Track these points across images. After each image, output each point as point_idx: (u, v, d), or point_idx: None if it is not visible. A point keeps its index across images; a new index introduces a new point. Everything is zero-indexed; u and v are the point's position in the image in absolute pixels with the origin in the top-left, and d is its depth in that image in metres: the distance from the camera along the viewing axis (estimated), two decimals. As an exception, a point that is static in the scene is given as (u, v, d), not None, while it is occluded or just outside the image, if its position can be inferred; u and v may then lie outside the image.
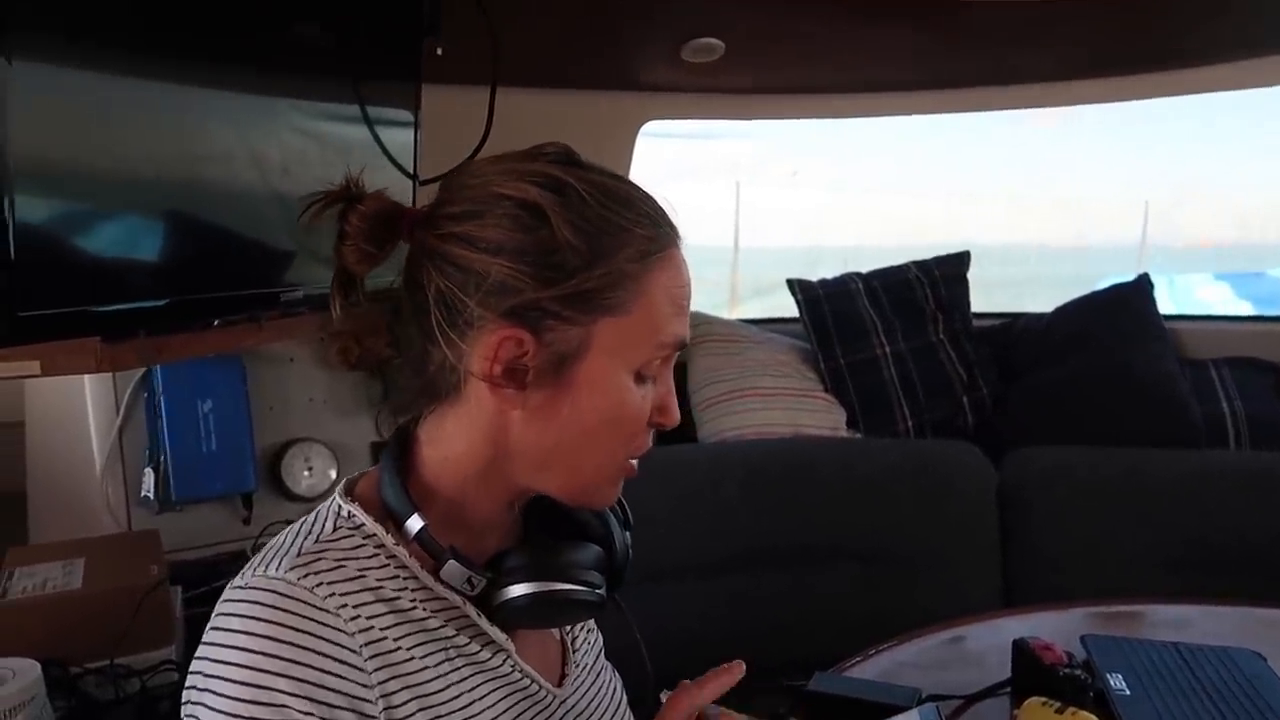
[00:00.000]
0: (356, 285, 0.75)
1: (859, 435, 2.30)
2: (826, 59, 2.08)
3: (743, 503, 2.01)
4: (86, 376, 1.69)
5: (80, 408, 1.70)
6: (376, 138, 1.50)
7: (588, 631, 0.91)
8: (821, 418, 2.27)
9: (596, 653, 0.93)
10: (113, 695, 1.15)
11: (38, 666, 0.98)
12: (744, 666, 0.78)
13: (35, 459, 1.85)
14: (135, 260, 0.98)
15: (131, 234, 0.98)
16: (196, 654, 0.66)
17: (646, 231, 0.72)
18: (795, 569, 2.02)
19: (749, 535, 2.01)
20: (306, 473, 1.88)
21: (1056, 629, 1.31)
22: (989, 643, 1.35)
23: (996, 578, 2.05)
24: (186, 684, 0.66)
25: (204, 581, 1.43)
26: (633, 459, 0.77)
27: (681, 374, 2.35)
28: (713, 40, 1.90)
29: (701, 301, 2.49)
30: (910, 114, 2.40)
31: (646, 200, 0.74)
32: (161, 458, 1.32)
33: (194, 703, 0.64)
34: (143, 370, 1.69)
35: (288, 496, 1.84)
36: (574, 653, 0.86)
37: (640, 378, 0.73)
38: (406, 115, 1.56)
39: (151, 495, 1.31)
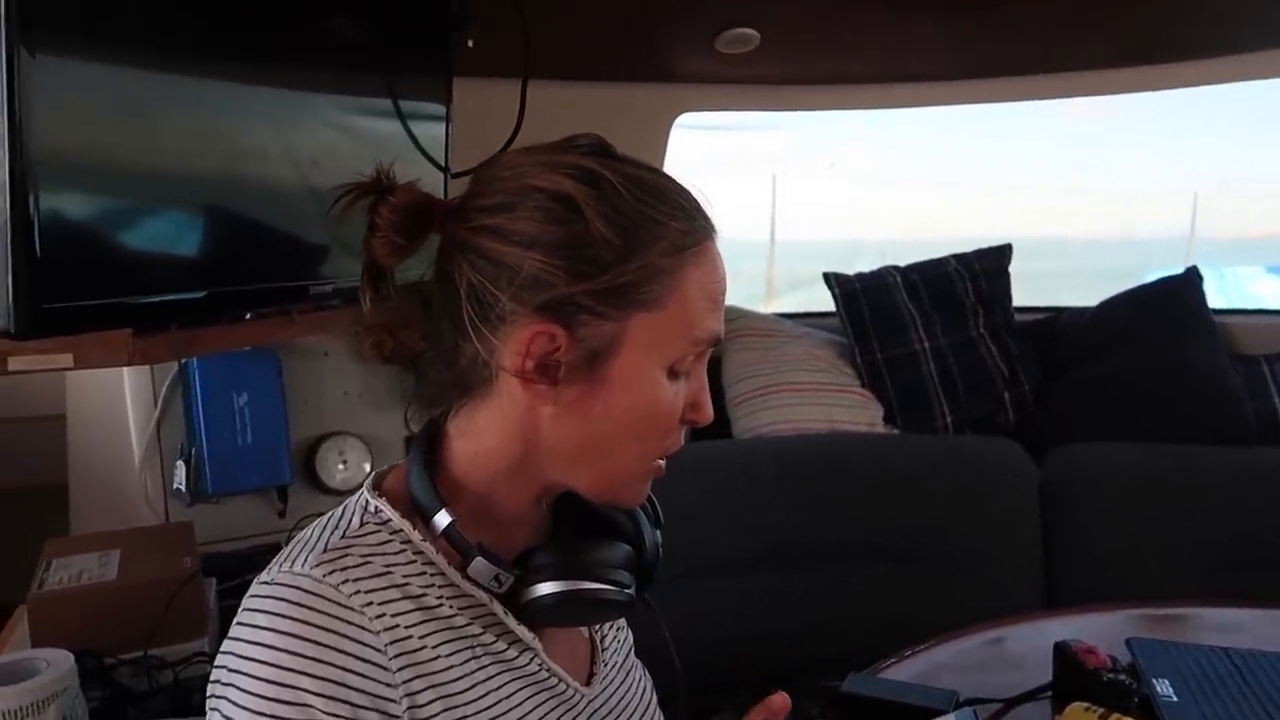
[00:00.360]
0: (387, 278, 0.74)
1: (896, 431, 2.26)
2: (863, 49, 2.05)
3: (777, 499, 1.98)
4: (125, 370, 1.71)
5: (119, 401, 1.72)
6: (408, 131, 1.50)
7: (617, 630, 0.90)
8: (858, 413, 2.24)
9: (626, 651, 0.91)
10: (146, 686, 1.16)
11: (71, 657, 0.99)
12: (787, 699, 0.78)
13: (76, 452, 1.88)
14: (163, 253, 0.98)
15: (160, 227, 0.98)
16: (222, 648, 0.66)
17: (681, 225, 0.70)
18: (831, 567, 1.99)
19: (784, 532, 1.98)
20: (341, 466, 1.88)
21: (1100, 631, 1.27)
22: (1030, 645, 1.32)
23: (1039, 578, 2.00)
24: (211, 677, 0.66)
25: (238, 574, 1.44)
26: (664, 457, 0.75)
27: (716, 369, 2.33)
28: (747, 31, 1.87)
29: (737, 295, 2.47)
30: (949, 104, 2.35)
31: (681, 193, 0.72)
32: (194, 450, 1.32)
33: (218, 697, 0.64)
34: (180, 364, 1.71)
35: (322, 490, 1.85)
36: (603, 651, 0.85)
37: (674, 374, 0.72)
38: (438, 109, 1.56)
39: (183, 488, 1.32)
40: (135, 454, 1.70)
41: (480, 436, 0.73)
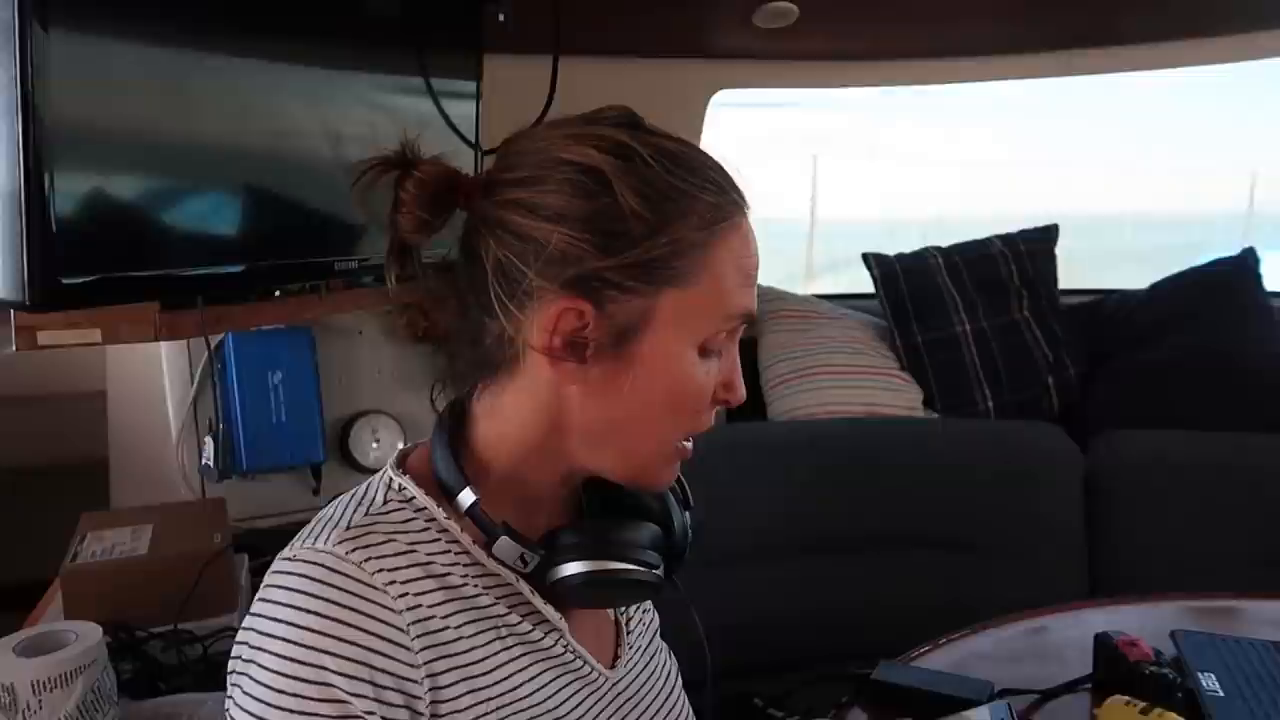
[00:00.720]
0: (413, 255, 0.73)
1: (936, 416, 2.22)
2: (907, 22, 1.99)
3: (813, 484, 1.95)
4: (163, 347, 1.73)
5: (157, 377, 1.74)
6: (439, 107, 1.48)
7: (643, 611, 0.89)
8: (897, 397, 2.19)
9: (652, 633, 0.90)
10: (176, 660, 1.17)
11: (99, 630, 0.99)
12: None
13: (116, 427, 1.91)
14: (184, 229, 0.98)
15: (181, 203, 0.97)
16: (243, 624, 0.66)
17: (713, 199, 0.68)
18: (867, 554, 1.95)
19: (819, 518, 1.95)
20: (374, 445, 1.89)
21: (1144, 623, 1.23)
22: (1070, 635, 1.28)
23: (1081, 568, 1.95)
24: (233, 653, 0.66)
25: (270, 551, 1.43)
26: (689, 440, 0.73)
27: (751, 351, 2.30)
28: (786, 4, 1.83)
29: (775, 276, 2.43)
30: (997, 79, 2.27)
31: (713, 166, 0.71)
32: (222, 427, 1.33)
33: (239, 673, 0.64)
34: (217, 341, 1.72)
35: (355, 468, 1.85)
36: (628, 634, 0.84)
37: (705, 352, 0.70)
38: (468, 85, 1.54)
39: (212, 464, 1.33)
40: (172, 429, 1.72)
41: (506, 416, 0.72)
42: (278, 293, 1.25)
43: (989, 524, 1.96)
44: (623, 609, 0.84)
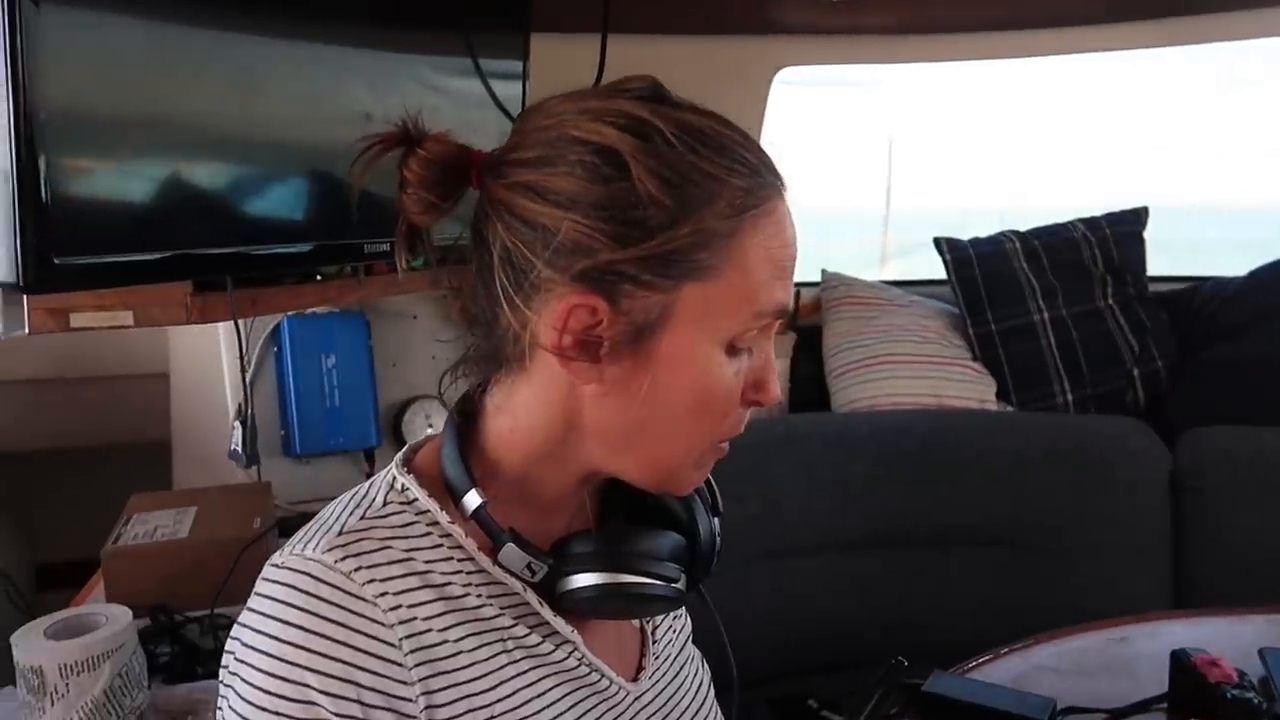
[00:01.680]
0: (422, 238, 0.68)
1: (1010, 409, 2.11)
2: (985, -9, 1.88)
3: (877, 478, 1.87)
4: (220, 329, 1.74)
5: (216, 360, 1.76)
6: (488, 86, 1.45)
7: (673, 618, 0.83)
8: (968, 388, 2.09)
9: (682, 642, 0.85)
10: (213, 645, 1.17)
11: (129, 614, 0.99)
12: None
13: (178, 409, 1.94)
14: (186, 209, 0.95)
15: (186, 184, 0.95)
16: (233, 630, 0.62)
17: (743, 181, 0.62)
18: (932, 552, 1.87)
19: (883, 513, 1.87)
20: (429, 430, 1.88)
21: (1230, 639, 1.14)
22: (1145, 649, 1.19)
23: (1164, 574, 1.83)
24: (223, 660, 0.63)
25: (317, 535, 1.44)
26: (723, 441, 0.68)
27: (815, 339, 2.22)
28: (854, -26, 1.74)
29: (843, 264, 2.34)
30: (1083, 52, 2.14)
31: (745, 144, 0.64)
32: (250, 411, 1.32)
33: (226, 685, 0.61)
34: (273, 324, 1.73)
35: (409, 453, 1.85)
36: (654, 643, 0.79)
37: (733, 350, 0.64)
38: (515, 66, 1.50)
39: (239, 449, 1.32)
40: (230, 412, 1.74)
41: (518, 413, 0.67)
42: (319, 276, 1.22)
43: (1065, 525, 1.86)
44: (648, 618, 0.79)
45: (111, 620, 0.97)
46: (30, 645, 0.94)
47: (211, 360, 1.79)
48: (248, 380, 1.68)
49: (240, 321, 1.68)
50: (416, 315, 1.91)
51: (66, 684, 0.93)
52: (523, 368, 0.66)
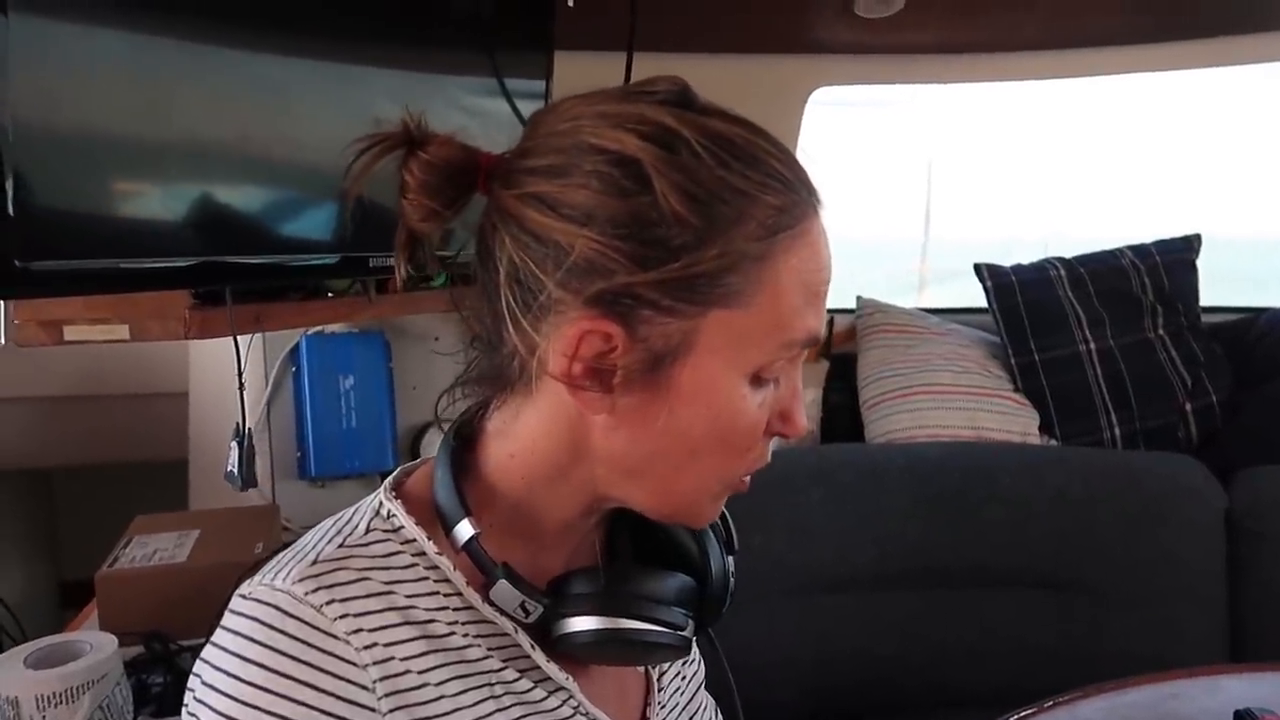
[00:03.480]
0: (424, 247, 0.63)
1: (1054, 443, 2.01)
2: (1029, 8, 1.80)
3: (912, 512, 1.78)
4: (244, 347, 1.72)
5: (233, 379, 1.73)
6: (513, 106, 1.41)
7: (682, 664, 0.77)
8: (1009, 421, 2.00)
9: (693, 689, 0.78)
10: (207, 675, 1.12)
11: (115, 642, 0.95)
12: None
13: (195, 428, 1.92)
14: (160, 220, 0.91)
15: (161, 194, 0.91)
16: (195, 666, 0.57)
17: (777, 200, 0.56)
18: (970, 593, 1.78)
19: (917, 550, 1.78)
20: (445, 455, 1.84)
21: (1296, 699, 1.04)
22: (1202, 706, 1.10)
23: (1220, 623, 1.72)
24: (185, 699, 0.58)
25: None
26: (745, 475, 0.62)
27: (849, 367, 2.15)
28: (891, -9, 1.69)
29: (882, 290, 2.27)
30: (1130, 73, 2.06)
31: (780, 157, 0.58)
32: (248, 431, 1.28)
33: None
34: (292, 344, 1.70)
35: (426, 478, 1.80)
36: (660, 691, 0.72)
37: (759, 381, 0.58)
38: (538, 85, 1.46)
39: (236, 471, 1.28)
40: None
41: (520, 439, 0.62)
42: (330, 294, 1.19)
43: (1112, 567, 1.76)
44: None
45: (95, 649, 0.93)
46: (6, 674, 0.90)
47: (229, 379, 1.75)
48: (244, 399, 1.65)
49: (261, 339, 1.67)
50: (439, 337, 1.88)
51: (43, 715, 0.88)
52: (527, 392, 0.61)
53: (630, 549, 0.71)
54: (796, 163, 0.59)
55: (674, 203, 0.54)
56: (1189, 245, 2.13)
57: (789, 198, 0.57)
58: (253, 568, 1.15)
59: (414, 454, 1.82)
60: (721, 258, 0.55)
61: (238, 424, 1.26)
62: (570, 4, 1.35)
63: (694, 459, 0.59)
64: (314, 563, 0.57)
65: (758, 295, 0.56)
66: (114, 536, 1.38)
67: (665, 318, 0.56)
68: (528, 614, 0.60)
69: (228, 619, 0.56)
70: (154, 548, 1.21)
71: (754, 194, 0.56)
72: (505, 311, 0.59)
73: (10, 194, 0.67)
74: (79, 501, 2.47)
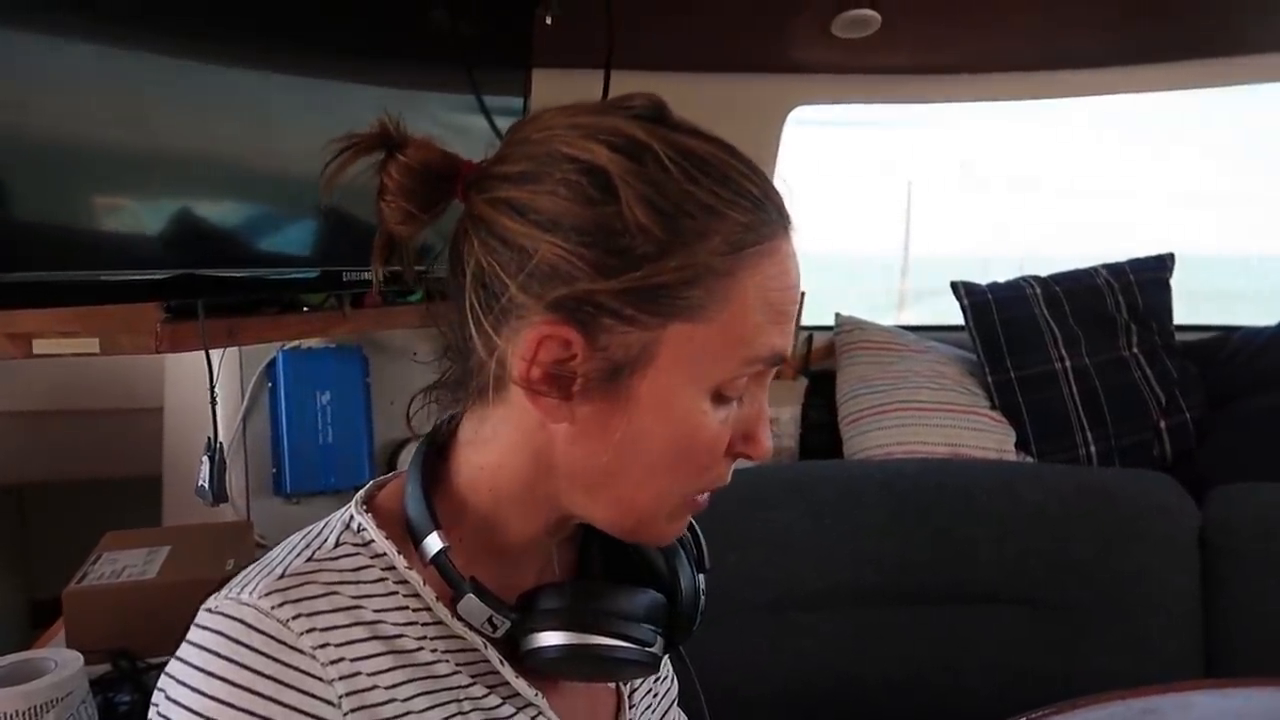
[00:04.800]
0: (400, 252, 0.63)
1: (1030, 460, 2.02)
2: (1005, 29, 1.82)
3: (888, 529, 1.78)
4: (217, 361, 1.70)
5: (207, 393, 1.72)
6: (491, 123, 1.42)
7: (654, 680, 0.76)
8: (985, 438, 2.01)
9: (665, 706, 0.78)
10: (175, 693, 1.11)
11: (80, 660, 0.93)
12: None
13: (170, 443, 1.90)
14: (130, 232, 0.91)
15: (135, 207, 0.91)
16: (159, 681, 0.57)
17: (744, 217, 0.56)
18: (947, 609, 1.78)
19: (894, 567, 1.78)
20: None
21: (1266, 712, 1.05)
22: (1176, 722, 1.10)
23: (1194, 640, 1.73)
24: (152, 703, 0.57)
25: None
26: (704, 493, 0.62)
27: (828, 384, 2.15)
28: (868, 12, 1.70)
29: (861, 309, 2.28)
30: (1104, 94, 2.08)
31: (751, 175, 0.58)
32: (219, 445, 1.27)
33: None
34: (269, 358, 1.69)
35: (402, 494, 1.79)
36: (631, 708, 0.72)
37: (721, 398, 0.58)
38: (516, 102, 1.47)
39: (207, 485, 1.27)
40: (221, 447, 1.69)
41: (487, 448, 0.62)
42: (305, 308, 1.18)
43: (1087, 583, 1.76)
44: None
45: (60, 666, 0.91)
46: (-31, 692, 0.88)
47: (204, 394, 1.74)
48: (217, 413, 1.63)
49: (238, 353, 1.65)
50: (417, 353, 1.87)
51: (6, 735, 0.87)
52: (495, 399, 0.61)
53: (601, 566, 0.70)
54: (768, 183, 0.60)
55: (639, 214, 0.55)
56: (1162, 264, 2.15)
57: (757, 216, 0.57)
58: (224, 583, 1.14)
59: (391, 470, 1.80)
60: (684, 270, 0.55)
61: (209, 438, 1.25)
62: (549, 21, 1.36)
63: (652, 475, 0.59)
64: (281, 576, 0.56)
65: (720, 310, 0.56)
66: (86, 554, 1.37)
67: (626, 327, 0.56)
68: (495, 628, 0.59)
69: (193, 633, 0.56)
70: (123, 564, 1.19)
71: (721, 210, 0.56)
72: (469, 314, 0.59)
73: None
74: (50, 518, 2.44)
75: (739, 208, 0.57)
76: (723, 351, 0.57)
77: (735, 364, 0.58)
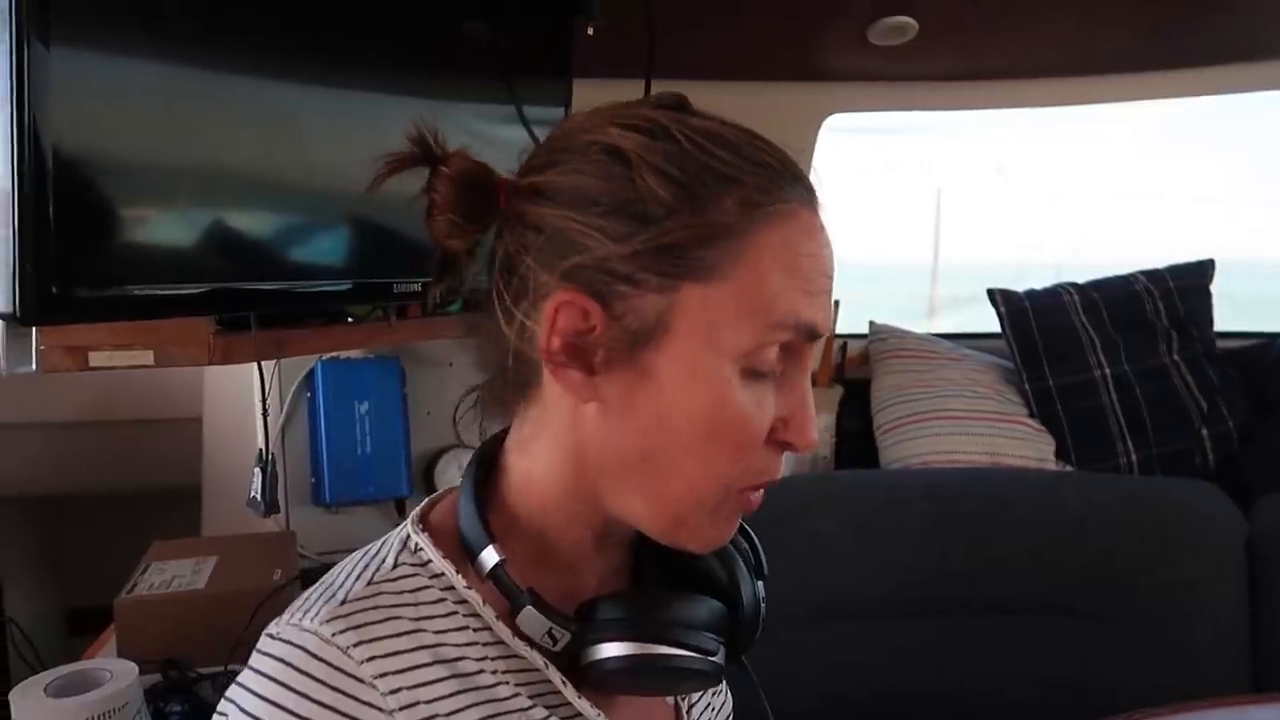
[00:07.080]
0: (458, 266, 0.63)
1: (1070, 469, 2.00)
2: (1040, 36, 1.81)
3: (927, 539, 1.77)
4: (255, 373, 1.72)
5: (249, 404, 1.73)
6: (531, 133, 1.42)
7: (711, 694, 0.76)
8: (1025, 447, 1.99)
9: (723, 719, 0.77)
10: (225, 703, 1.11)
11: (135, 671, 0.94)
12: None
13: (209, 454, 1.91)
14: (200, 244, 0.92)
15: (202, 218, 0.92)
16: (219, 705, 0.56)
17: (757, 180, 0.56)
18: (987, 621, 1.75)
19: (933, 578, 1.76)
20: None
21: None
22: (1232, 738, 1.08)
23: (1242, 653, 1.70)
24: None
25: (341, 587, 1.38)
26: (750, 487, 0.59)
27: (864, 393, 2.14)
28: (904, 19, 1.69)
29: (893, 317, 2.26)
30: (1142, 99, 2.06)
31: (768, 150, 0.58)
32: (270, 457, 1.28)
33: None
34: (307, 369, 1.70)
35: (440, 504, 1.79)
36: None
37: (754, 374, 0.56)
38: (557, 112, 1.47)
39: (258, 496, 1.28)
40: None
41: (529, 451, 0.62)
42: (350, 319, 1.18)
43: (1132, 595, 1.74)
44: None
45: (115, 677, 0.92)
46: (28, 703, 0.89)
47: (244, 404, 1.75)
48: (268, 424, 1.65)
49: (275, 364, 1.66)
50: (453, 363, 1.87)
51: (64, 745, 0.88)
52: (531, 396, 0.61)
53: (658, 576, 0.70)
54: (790, 160, 0.59)
55: (652, 182, 0.55)
56: (1203, 270, 2.13)
57: (772, 180, 0.57)
58: (272, 594, 1.15)
59: (428, 480, 1.81)
60: (694, 228, 0.55)
61: (260, 450, 1.26)
62: (590, 31, 1.36)
63: (684, 455, 0.57)
64: (343, 602, 0.55)
65: (734, 270, 0.55)
66: (123, 563, 1.38)
67: (640, 291, 0.55)
68: (555, 641, 0.59)
69: (255, 659, 0.55)
70: (172, 574, 1.20)
71: (735, 176, 0.56)
72: (495, 301, 0.59)
73: (52, 223, 0.67)
74: (88, 528, 2.46)
75: (754, 174, 0.56)
76: (741, 315, 0.55)
77: (757, 330, 0.56)
